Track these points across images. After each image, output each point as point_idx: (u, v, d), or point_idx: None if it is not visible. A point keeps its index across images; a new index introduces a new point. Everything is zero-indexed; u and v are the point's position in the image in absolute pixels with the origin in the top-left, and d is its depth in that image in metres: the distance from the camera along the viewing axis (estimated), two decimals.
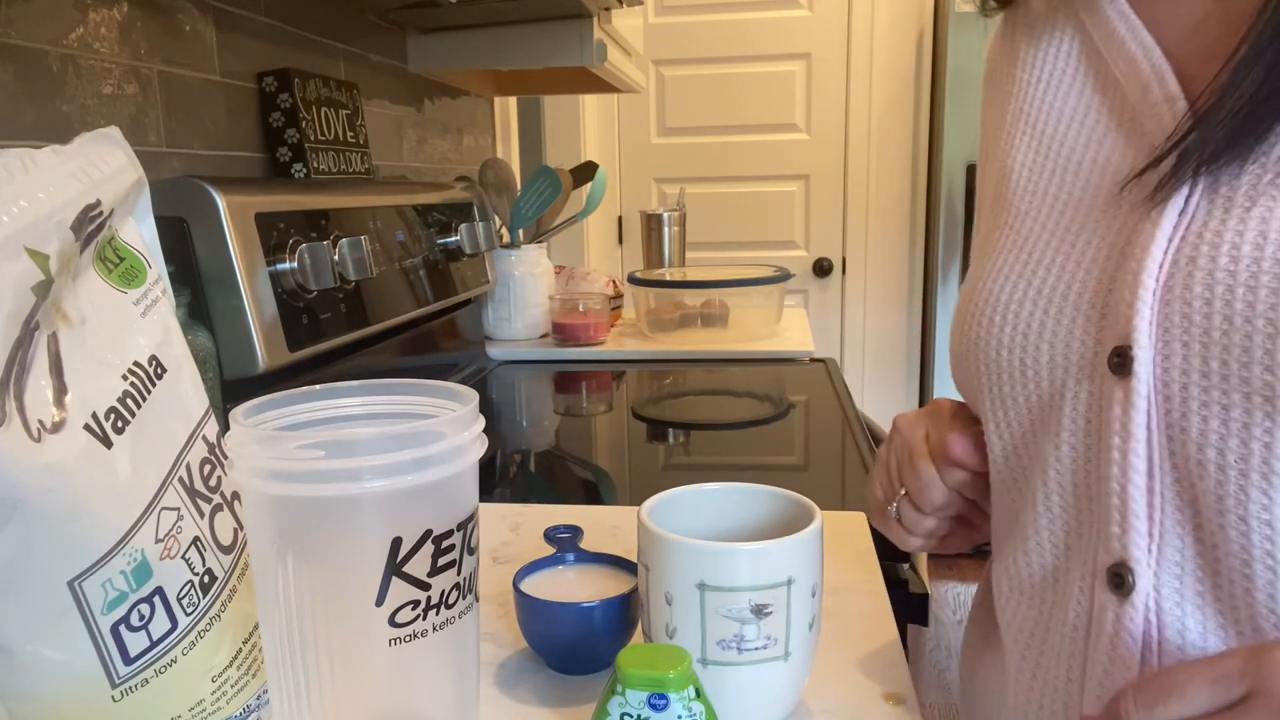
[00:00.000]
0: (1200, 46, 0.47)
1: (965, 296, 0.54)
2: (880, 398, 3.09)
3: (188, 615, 0.47)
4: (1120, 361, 0.44)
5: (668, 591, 0.51)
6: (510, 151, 2.14)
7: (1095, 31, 0.52)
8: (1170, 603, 0.43)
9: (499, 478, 1.04)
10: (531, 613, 0.59)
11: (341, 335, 1.03)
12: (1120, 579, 0.44)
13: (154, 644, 0.46)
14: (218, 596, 0.49)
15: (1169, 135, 0.45)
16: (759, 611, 0.50)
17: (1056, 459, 0.48)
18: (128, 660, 0.45)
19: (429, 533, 0.45)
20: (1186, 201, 0.43)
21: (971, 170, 2.68)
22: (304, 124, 1.15)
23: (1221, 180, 0.43)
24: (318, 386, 0.51)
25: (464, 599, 0.48)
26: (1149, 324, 0.43)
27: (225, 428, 0.58)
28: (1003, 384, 0.50)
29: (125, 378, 0.47)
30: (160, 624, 0.46)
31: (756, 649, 0.50)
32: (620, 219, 3.12)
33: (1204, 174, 0.43)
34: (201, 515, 0.49)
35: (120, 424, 0.45)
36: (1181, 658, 0.43)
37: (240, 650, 0.51)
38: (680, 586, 0.50)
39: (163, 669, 0.46)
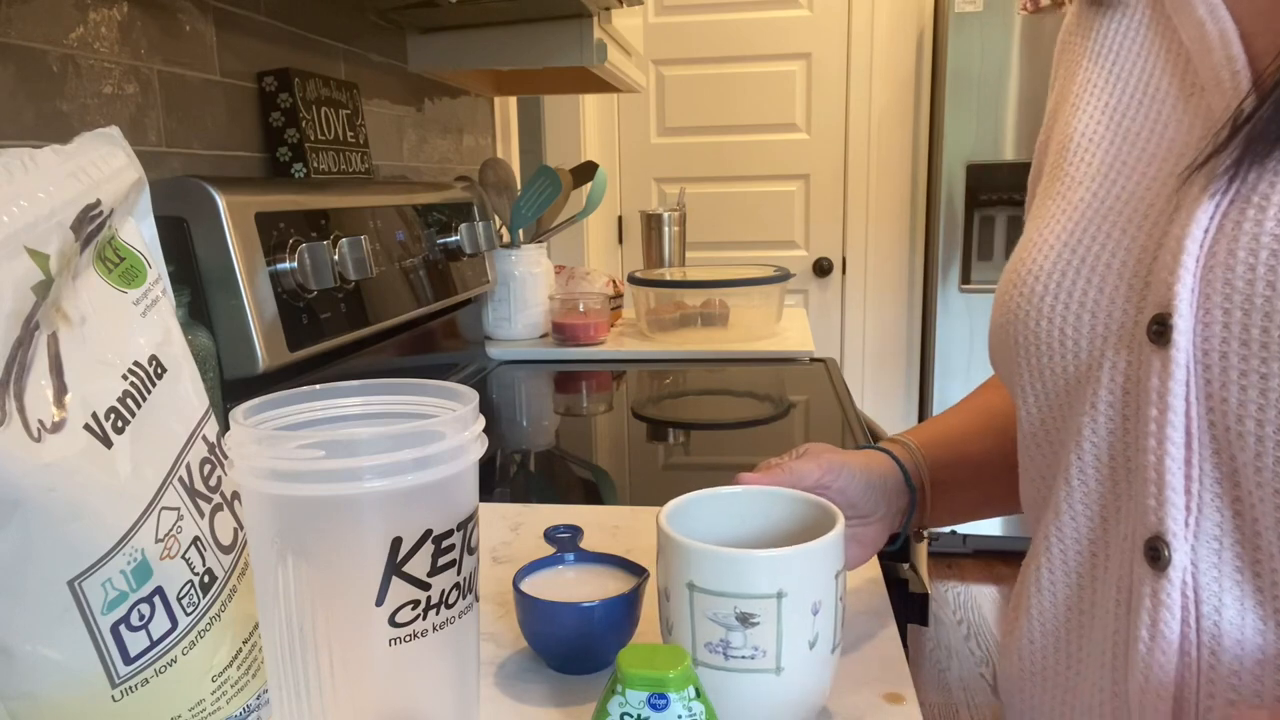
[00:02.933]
0: (1270, 15, 0.45)
1: (1011, 268, 0.53)
2: (880, 398, 3.09)
3: (188, 615, 0.47)
4: (1160, 330, 0.43)
5: (666, 587, 0.51)
6: (510, 151, 2.14)
7: None
8: (1208, 578, 0.42)
9: (499, 478, 1.04)
10: (531, 613, 0.59)
11: (341, 335, 1.03)
12: (1157, 552, 0.43)
13: (154, 644, 0.46)
14: (218, 596, 0.49)
15: (1229, 107, 0.44)
16: (745, 620, 0.48)
17: (1092, 430, 0.47)
18: (128, 660, 0.45)
19: (429, 533, 0.45)
20: (1237, 167, 0.42)
21: (971, 170, 2.68)
22: (304, 124, 1.15)
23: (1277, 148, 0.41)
24: (318, 386, 0.51)
25: (464, 599, 0.48)
26: (1190, 291, 0.42)
27: (225, 428, 0.58)
28: (1041, 354, 0.49)
29: (125, 377, 0.47)
30: (160, 624, 0.46)
31: (743, 657, 0.49)
32: (620, 219, 3.12)
33: (1264, 151, 0.42)
34: (201, 515, 0.49)
35: (120, 424, 0.45)
36: (1218, 635, 0.42)
37: (240, 650, 0.51)
38: (674, 584, 0.50)
39: (163, 669, 0.46)
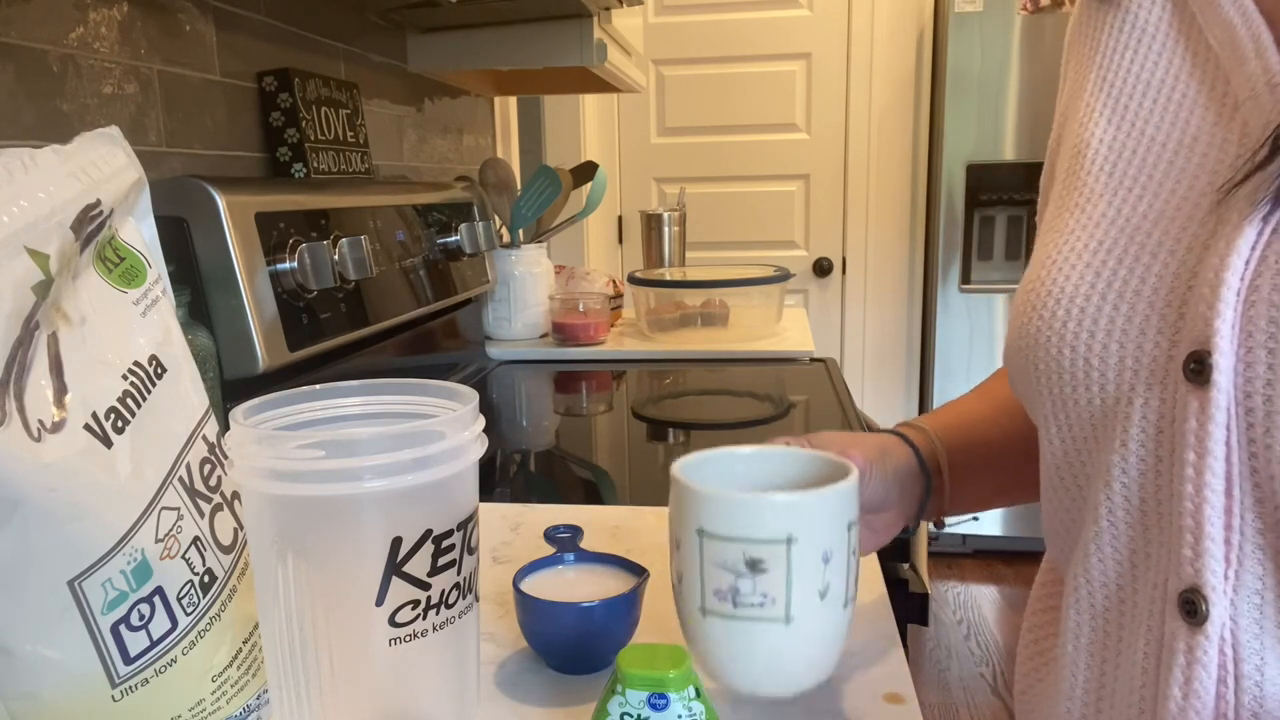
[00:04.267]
0: None
1: (1026, 286, 0.49)
2: (880, 398, 3.09)
3: (188, 615, 0.47)
4: (1197, 368, 0.40)
5: (677, 536, 0.50)
6: (510, 151, 2.14)
7: None
8: (1249, 635, 0.39)
9: (499, 478, 1.04)
10: (531, 613, 0.59)
11: (341, 335, 1.03)
12: (1193, 606, 0.40)
13: (154, 644, 0.46)
14: (218, 596, 0.49)
15: (1269, 124, 0.40)
16: (754, 566, 0.47)
17: (1123, 470, 0.43)
18: (128, 660, 0.45)
19: (429, 532, 0.45)
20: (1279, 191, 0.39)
21: (971, 170, 2.68)
22: (304, 124, 1.15)
23: None
24: (318, 386, 0.51)
25: (464, 599, 0.48)
26: (1231, 327, 0.39)
27: (225, 428, 0.58)
28: (1064, 384, 0.46)
29: (125, 377, 0.47)
30: (160, 624, 0.46)
31: (752, 605, 0.48)
32: (620, 219, 3.12)
33: None
34: (201, 515, 0.49)
35: (120, 424, 0.45)
36: (1261, 697, 0.39)
37: (240, 650, 0.51)
38: (684, 531, 0.49)
39: (163, 669, 0.46)
